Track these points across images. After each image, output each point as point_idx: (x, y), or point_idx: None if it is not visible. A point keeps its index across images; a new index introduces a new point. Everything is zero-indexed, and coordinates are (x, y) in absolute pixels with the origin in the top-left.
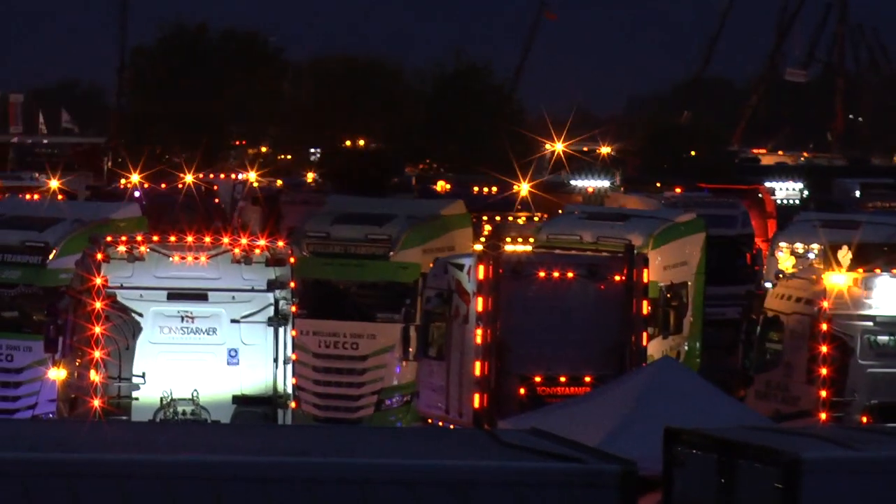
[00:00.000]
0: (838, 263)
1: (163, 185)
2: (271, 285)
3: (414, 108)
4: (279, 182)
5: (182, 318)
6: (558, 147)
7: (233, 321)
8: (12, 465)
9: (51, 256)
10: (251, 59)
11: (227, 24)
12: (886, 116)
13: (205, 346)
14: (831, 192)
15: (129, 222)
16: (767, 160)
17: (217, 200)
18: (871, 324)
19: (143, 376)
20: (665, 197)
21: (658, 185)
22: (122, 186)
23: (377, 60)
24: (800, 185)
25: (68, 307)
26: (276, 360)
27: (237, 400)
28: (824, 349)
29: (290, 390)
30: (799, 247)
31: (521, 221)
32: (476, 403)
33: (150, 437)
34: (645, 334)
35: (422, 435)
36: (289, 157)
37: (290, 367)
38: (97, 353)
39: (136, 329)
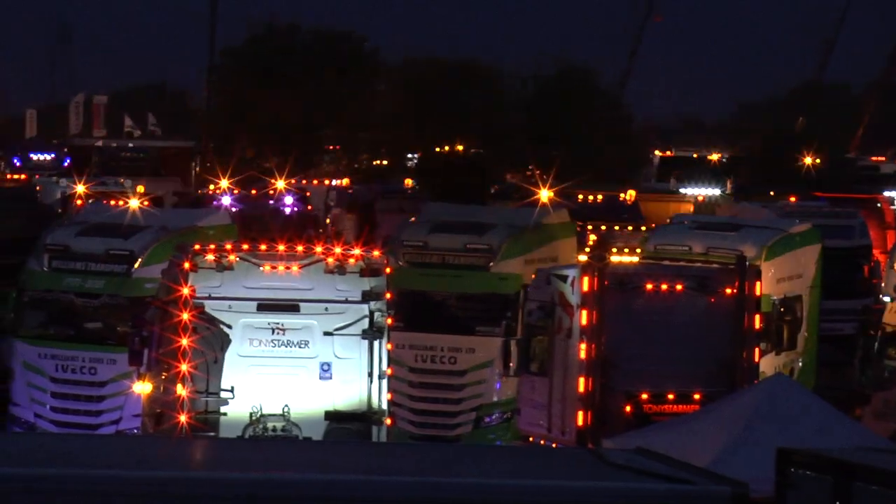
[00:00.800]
0: None
1: (253, 192)
2: (366, 296)
3: (513, 112)
4: (374, 188)
5: (273, 330)
6: (664, 153)
7: (326, 334)
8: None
9: (136, 265)
10: (343, 60)
11: (319, 24)
12: None
13: (296, 360)
14: None
15: (217, 230)
16: (887, 168)
17: (310, 207)
18: None
19: (231, 391)
20: (779, 206)
21: (772, 193)
22: (210, 192)
23: (473, 62)
24: None
25: (154, 318)
26: (370, 374)
27: (330, 416)
28: None
29: (384, 406)
30: None
31: (628, 231)
32: (580, 421)
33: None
34: (757, 350)
35: (523, 454)
36: (384, 162)
37: (384, 381)
38: (184, 367)
39: (224, 341)
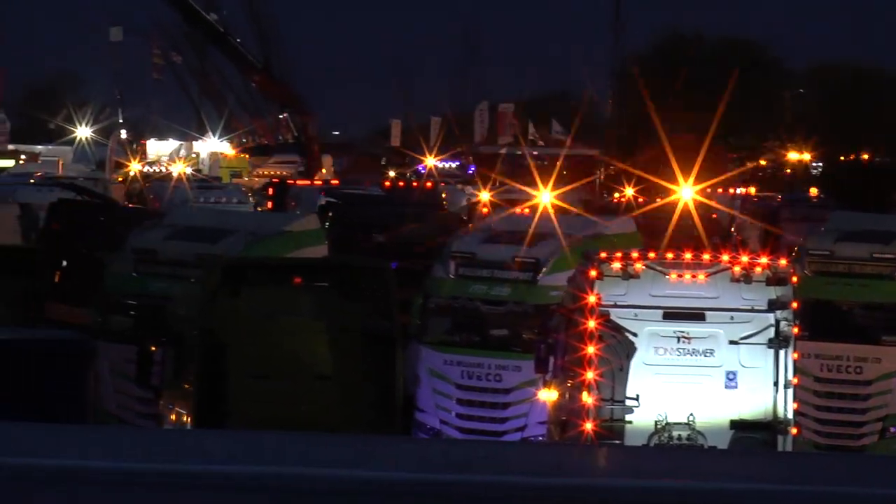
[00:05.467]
0: None
1: (658, 200)
2: (772, 305)
3: None
4: (779, 197)
5: (678, 338)
6: None
7: (731, 342)
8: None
9: (541, 273)
10: (748, 68)
11: (723, 33)
12: None
13: (702, 369)
14: None
15: (622, 238)
16: None
17: (714, 216)
18: None
19: (637, 399)
20: None
21: None
22: (615, 200)
23: (877, 68)
24: None
25: (559, 326)
26: (776, 383)
27: (735, 425)
28: None
29: (790, 416)
30: None
31: None
32: None
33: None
34: None
35: None
36: (788, 171)
37: (790, 391)
38: (590, 374)
39: (630, 349)
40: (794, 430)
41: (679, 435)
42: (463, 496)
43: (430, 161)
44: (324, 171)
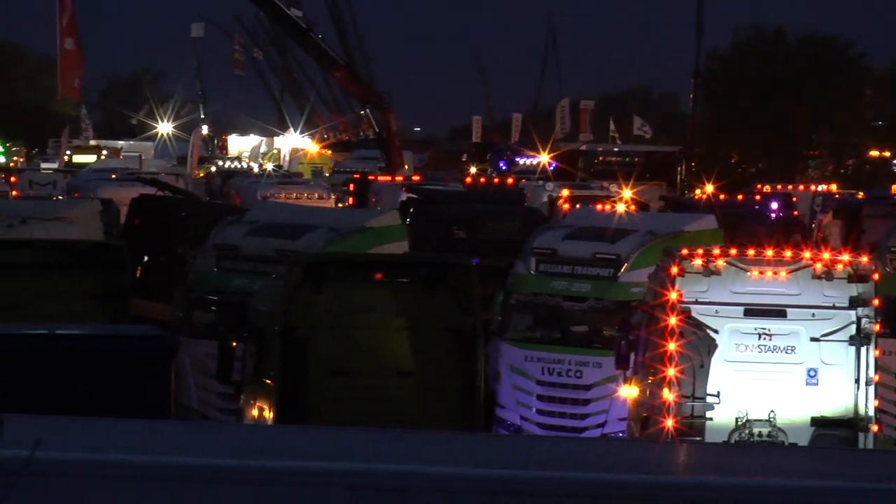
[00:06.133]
0: None
1: (739, 197)
2: (853, 302)
3: None
4: (860, 194)
5: (759, 335)
6: None
7: (812, 339)
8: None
9: (622, 269)
10: (830, 65)
11: (804, 29)
12: None
13: (783, 366)
14: None
15: (704, 234)
16: None
17: (796, 213)
18: None
19: (717, 395)
20: None
21: None
22: (696, 197)
23: None
24: None
25: (640, 322)
26: (857, 380)
27: (816, 422)
28: None
29: (871, 413)
30: None
31: None
32: None
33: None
34: None
35: None
36: (870, 168)
37: (871, 388)
38: (671, 371)
39: (711, 346)
40: (875, 428)
41: (760, 432)
42: (544, 493)
43: (544, 157)
44: (405, 167)
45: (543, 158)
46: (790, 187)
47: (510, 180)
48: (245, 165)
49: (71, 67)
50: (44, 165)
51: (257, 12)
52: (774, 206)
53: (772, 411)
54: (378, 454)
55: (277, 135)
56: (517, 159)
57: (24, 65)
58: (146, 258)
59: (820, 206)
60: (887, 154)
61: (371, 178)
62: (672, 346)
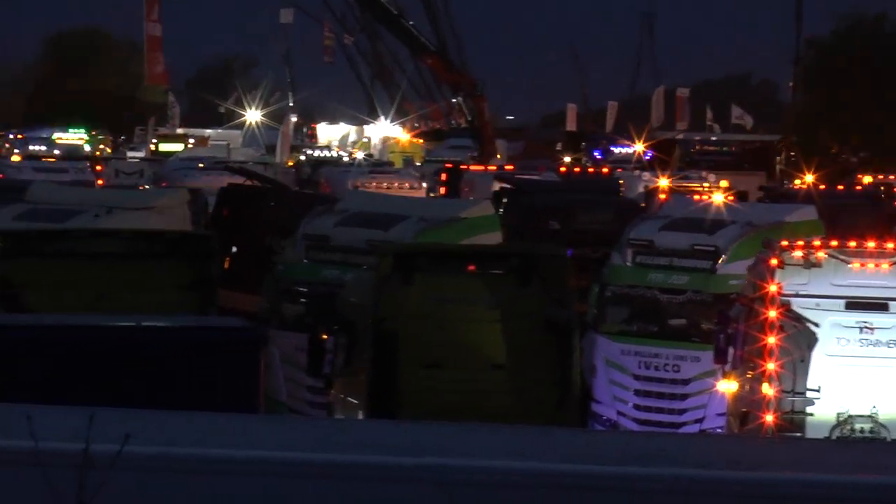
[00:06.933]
0: None
1: (839, 187)
2: None
3: None
4: None
5: (861, 329)
6: None
7: None
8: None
9: (721, 261)
10: None
11: None
12: None
13: (885, 360)
14: None
15: (804, 226)
16: None
17: None
18: None
19: (818, 391)
20: None
21: None
22: (795, 187)
23: None
24: None
25: (739, 315)
26: None
27: None
28: None
29: None
30: None
31: None
32: None
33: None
34: None
35: None
36: None
37: None
38: (770, 366)
39: (811, 340)
40: None
41: (862, 428)
42: (640, 489)
43: (639, 147)
44: (498, 156)
45: (639, 147)
46: (892, 177)
47: (605, 170)
48: (335, 154)
49: (157, 54)
50: (130, 154)
51: None
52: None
53: (874, 407)
54: (470, 449)
55: (367, 123)
56: (612, 148)
57: (111, 52)
58: (234, 249)
59: None
60: None
61: (463, 167)
62: (772, 339)
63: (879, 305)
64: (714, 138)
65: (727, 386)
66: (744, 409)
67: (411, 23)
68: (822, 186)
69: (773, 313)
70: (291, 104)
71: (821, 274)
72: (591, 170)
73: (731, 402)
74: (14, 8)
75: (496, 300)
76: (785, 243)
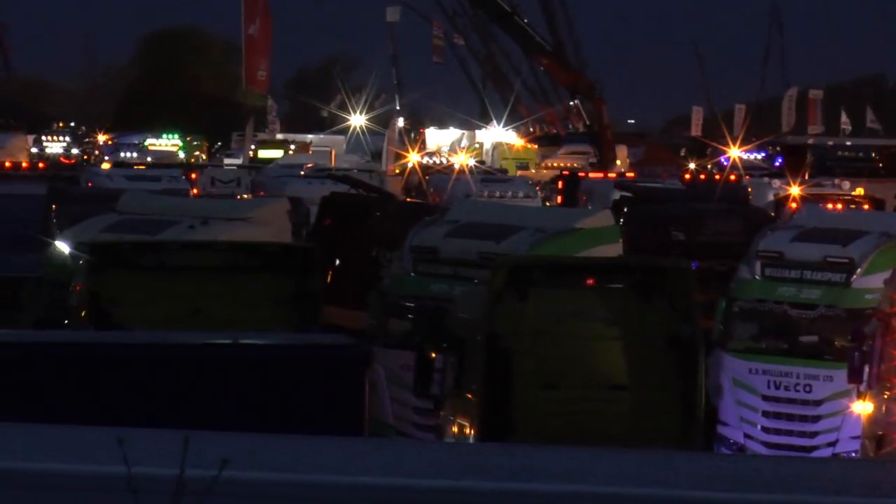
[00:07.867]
0: None
1: None
2: None
3: None
4: None
5: None
6: None
7: None
8: None
9: (856, 274)
10: None
11: None
12: None
13: None
14: None
15: None
16: None
17: None
18: None
19: None
20: None
21: None
22: None
23: None
24: None
25: (876, 331)
26: None
27: None
28: None
29: None
30: None
31: None
32: None
33: None
34: None
35: None
36: None
37: None
38: None
39: None
40: None
41: None
42: None
43: (734, 152)
44: (618, 162)
45: (734, 153)
46: None
47: (733, 177)
48: (444, 161)
49: (256, 55)
50: (227, 161)
51: None
52: None
53: None
54: (587, 475)
55: (479, 127)
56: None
57: (209, 52)
58: (338, 261)
59: None
60: None
61: (581, 174)
62: None
63: None
64: (848, 143)
65: (862, 407)
66: (880, 432)
67: (525, 21)
68: None
69: None
70: (398, 107)
71: None
72: (717, 177)
73: (866, 424)
74: (104, 7)
75: (616, 316)
76: None
